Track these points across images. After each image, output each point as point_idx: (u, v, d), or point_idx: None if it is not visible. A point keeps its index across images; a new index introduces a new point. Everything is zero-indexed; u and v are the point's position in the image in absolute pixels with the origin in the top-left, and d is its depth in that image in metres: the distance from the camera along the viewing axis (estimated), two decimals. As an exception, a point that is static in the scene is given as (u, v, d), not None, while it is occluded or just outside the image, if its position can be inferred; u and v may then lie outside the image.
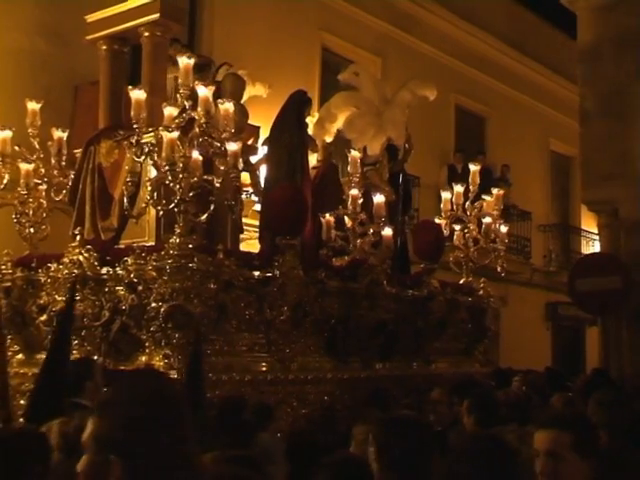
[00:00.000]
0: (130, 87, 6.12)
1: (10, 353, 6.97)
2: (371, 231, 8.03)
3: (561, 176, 19.19)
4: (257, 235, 7.84)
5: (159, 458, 1.75)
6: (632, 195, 10.02)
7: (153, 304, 5.83)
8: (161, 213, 5.94)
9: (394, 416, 3.73)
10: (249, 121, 8.40)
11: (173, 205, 5.75)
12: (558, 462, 2.69)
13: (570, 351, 17.78)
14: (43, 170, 6.97)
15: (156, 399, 1.83)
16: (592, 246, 17.64)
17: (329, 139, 9.32)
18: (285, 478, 4.54)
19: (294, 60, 12.08)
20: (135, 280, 5.94)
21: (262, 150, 8.80)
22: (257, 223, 8.14)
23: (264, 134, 9.09)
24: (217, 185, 5.93)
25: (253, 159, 8.52)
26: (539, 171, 18.10)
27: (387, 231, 8.03)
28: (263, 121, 9.34)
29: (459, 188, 9.03)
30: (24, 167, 6.90)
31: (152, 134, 6.03)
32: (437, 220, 9.04)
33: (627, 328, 9.83)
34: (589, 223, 16.70)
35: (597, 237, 12.56)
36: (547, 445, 2.73)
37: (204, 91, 5.88)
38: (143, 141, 6.02)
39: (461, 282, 9.16)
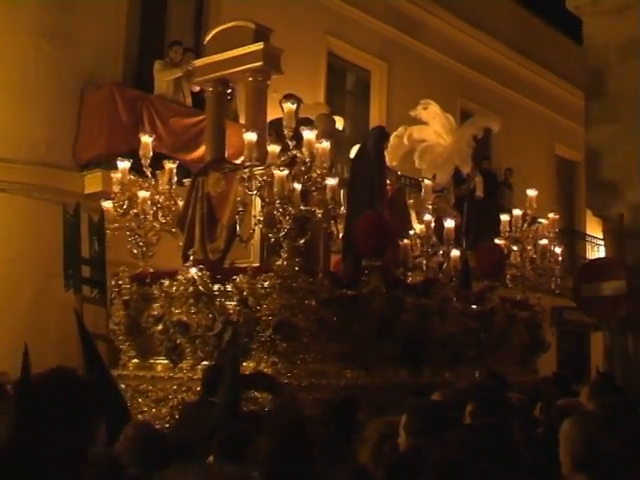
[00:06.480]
0: (244, 130, 7.05)
1: (127, 358, 7.98)
2: (441, 252, 8.89)
3: (566, 181, 19.13)
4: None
5: None
6: (637, 200, 10.03)
7: (263, 317, 6.77)
8: (272, 240, 6.84)
9: None
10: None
11: (283, 233, 6.66)
12: None
13: (575, 356, 17.79)
14: (158, 197, 7.90)
15: None
16: (597, 251, 17.47)
17: (395, 164, 10.17)
18: None
19: (300, 64, 12.06)
20: (248, 297, 6.87)
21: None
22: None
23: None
24: (319, 216, 6.84)
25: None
26: (544, 176, 17.88)
27: (454, 252, 8.88)
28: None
29: (517, 212, 9.92)
30: (142, 194, 7.85)
31: (262, 170, 6.94)
32: (497, 241, 9.90)
33: (632, 333, 9.84)
34: (594, 228, 16.55)
35: (602, 242, 12.29)
36: None
37: (309, 134, 6.78)
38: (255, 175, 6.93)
39: (518, 298, 9.99)
